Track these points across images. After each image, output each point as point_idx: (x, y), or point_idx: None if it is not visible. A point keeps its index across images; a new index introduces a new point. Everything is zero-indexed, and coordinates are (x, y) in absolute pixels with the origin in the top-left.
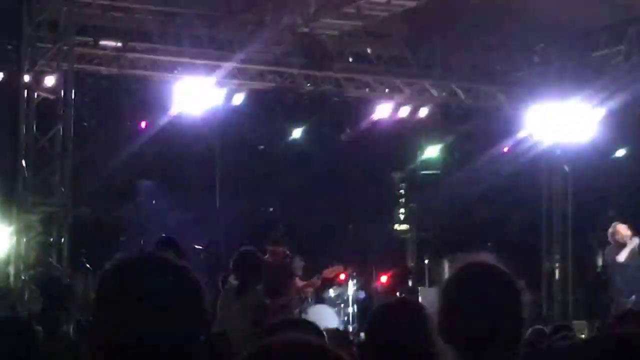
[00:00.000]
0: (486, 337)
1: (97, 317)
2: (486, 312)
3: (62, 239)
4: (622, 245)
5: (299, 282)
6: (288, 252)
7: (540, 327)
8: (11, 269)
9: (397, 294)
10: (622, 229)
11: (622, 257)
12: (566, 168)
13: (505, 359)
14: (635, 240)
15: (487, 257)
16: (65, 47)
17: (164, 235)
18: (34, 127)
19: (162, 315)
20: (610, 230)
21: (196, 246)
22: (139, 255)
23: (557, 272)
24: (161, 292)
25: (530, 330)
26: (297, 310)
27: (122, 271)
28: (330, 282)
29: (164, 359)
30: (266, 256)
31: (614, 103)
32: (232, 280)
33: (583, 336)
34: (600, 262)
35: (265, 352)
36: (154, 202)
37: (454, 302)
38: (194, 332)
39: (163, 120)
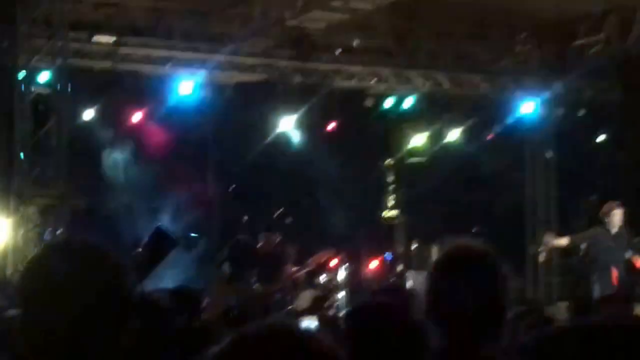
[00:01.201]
0: (470, 318)
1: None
2: (470, 293)
3: (59, 230)
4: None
5: (291, 269)
6: (280, 239)
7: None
8: (9, 261)
9: (387, 279)
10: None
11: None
12: (548, 154)
13: (489, 339)
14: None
15: (474, 242)
16: (59, 43)
17: (158, 225)
18: (30, 122)
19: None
20: (603, 209)
21: (191, 234)
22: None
23: (540, 256)
24: (68, 278)
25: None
26: (288, 297)
27: (35, 263)
28: (321, 268)
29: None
30: (259, 243)
31: (593, 89)
32: (226, 268)
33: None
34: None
35: (238, 344)
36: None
37: (440, 284)
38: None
39: (156, 113)
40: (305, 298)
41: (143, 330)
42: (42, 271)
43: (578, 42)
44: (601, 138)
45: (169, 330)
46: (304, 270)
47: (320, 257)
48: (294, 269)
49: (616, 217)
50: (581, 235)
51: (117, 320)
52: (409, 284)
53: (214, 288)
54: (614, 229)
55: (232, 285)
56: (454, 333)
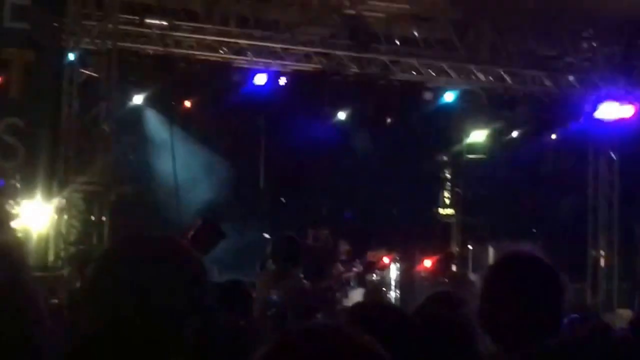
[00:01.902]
0: (525, 328)
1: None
2: (526, 303)
3: (103, 218)
4: None
5: (340, 268)
6: (330, 235)
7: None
8: (50, 247)
9: (440, 279)
10: None
11: None
12: (613, 155)
13: (541, 349)
14: None
15: (531, 248)
16: (110, 25)
17: (206, 216)
18: (78, 106)
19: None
20: None
21: (266, 235)
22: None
23: (602, 260)
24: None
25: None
26: (338, 294)
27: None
28: (374, 266)
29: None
30: (308, 239)
31: None
32: (270, 265)
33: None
34: None
35: (284, 345)
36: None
37: (495, 292)
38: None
39: (208, 99)
40: (355, 297)
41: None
42: (118, 263)
43: None
44: None
45: (218, 329)
46: (356, 269)
47: (372, 255)
48: (345, 266)
49: None
50: None
51: (191, 314)
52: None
53: (259, 284)
54: None
55: (277, 281)
56: (507, 340)
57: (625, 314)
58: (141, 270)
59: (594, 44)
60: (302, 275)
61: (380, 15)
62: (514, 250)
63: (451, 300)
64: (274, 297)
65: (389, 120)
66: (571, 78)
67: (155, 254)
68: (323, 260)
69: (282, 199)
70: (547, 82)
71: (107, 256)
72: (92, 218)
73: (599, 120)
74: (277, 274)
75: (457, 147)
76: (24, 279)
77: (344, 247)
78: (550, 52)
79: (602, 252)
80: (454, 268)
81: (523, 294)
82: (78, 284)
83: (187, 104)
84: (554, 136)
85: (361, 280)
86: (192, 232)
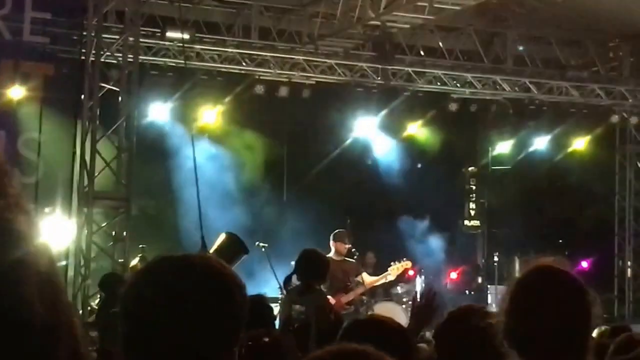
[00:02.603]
0: (552, 344)
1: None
2: (554, 318)
3: (124, 233)
4: None
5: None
6: (354, 248)
7: (605, 328)
8: (70, 263)
9: (466, 291)
10: None
11: None
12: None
13: None
14: None
15: (558, 261)
16: (131, 39)
17: (228, 231)
18: (98, 120)
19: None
20: None
21: (260, 244)
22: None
23: (629, 270)
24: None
25: (596, 330)
26: (363, 308)
27: (150, 274)
28: (398, 279)
29: None
30: (330, 253)
31: None
32: (295, 280)
33: None
34: None
35: None
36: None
37: (521, 306)
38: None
39: (232, 114)
40: (381, 310)
41: None
42: (153, 286)
43: None
44: None
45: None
46: (381, 282)
47: (398, 268)
48: (372, 279)
49: None
50: None
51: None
52: (489, 298)
53: (283, 300)
54: None
55: (300, 297)
56: (534, 356)
57: None
58: (177, 293)
59: (620, 54)
60: (325, 290)
61: (404, 26)
62: (540, 264)
63: (475, 314)
64: (297, 312)
65: (412, 132)
66: (597, 88)
67: (192, 275)
68: (346, 274)
69: (347, 221)
70: (573, 92)
71: (140, 278)
72: (113, 233)
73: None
74: (301, 289)
75: (482, 158)
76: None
77: (370, 259)
78: (576, 62)
79: (628, 263)
80: (479, 280)
81: (549, 309)
82: (97, 302)
83: (210, 117)
84: (579, 145)
85: (387, 293)
86: (215, 247)
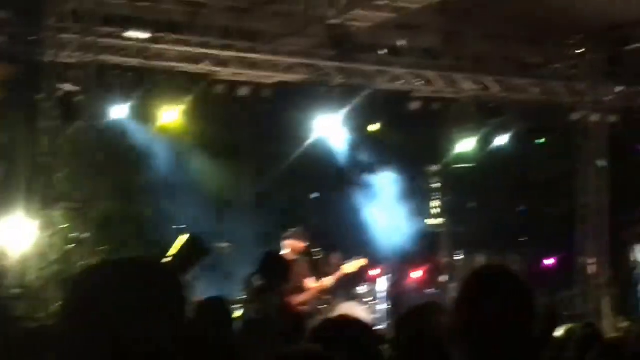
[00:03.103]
0: (495, 342)
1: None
2: (495, 317)
3: (85, 235)
4: None
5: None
6: (318, 249)
7: (574, 325)
8: (32, 266)
9: (429, 290)
10: None
11: None
12: (601, 162)
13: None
14: None
15: (506, 262)
16: (89, 38)
17: (190, 232)
18: (56, 120)
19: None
20: None
21: (223, 244)
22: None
23: (591, 268)
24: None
25: (562, 328)
26: (325, 308)
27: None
28: (353, 278)
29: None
30: (284, 252)
31: None
32: (256, 281)
33: None
34: (633, 258)
35: None
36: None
37: (466, 305)
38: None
39: (192, 114)
40: (343, 310)
41: None
42: (92, 286)
43: (631, 46)
44: None
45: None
46: (332, 280)
47: (352, 266)
48: (315, 284)
49: None
50: None
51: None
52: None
53: (244, 300)
54: None
55: (259, 297)
56: (478, 355)
57: (615, 321)
58: (112, 296)
59: (581, 51)
60: (285, 291)
61: (364, 24)
62: (484, 265)
63: (433, 312)
64: (257, 312)
65: (375, 131)
66: (557, 85)
67: (128, 278)
68: (300, 275)
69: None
70: (534, 90)
71: (78, 282)
72: (74, 235)
73: (586, 127)
74: (261, 290)
75: (444, 157)
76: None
77: (335, 259)
78: (536, 60)
79: (590, 260)
80: (443, 279)
81: (493, 308)
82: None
83: (170, 117)
84: (540, 143)
85: (349, 293)
86: (176, 249)
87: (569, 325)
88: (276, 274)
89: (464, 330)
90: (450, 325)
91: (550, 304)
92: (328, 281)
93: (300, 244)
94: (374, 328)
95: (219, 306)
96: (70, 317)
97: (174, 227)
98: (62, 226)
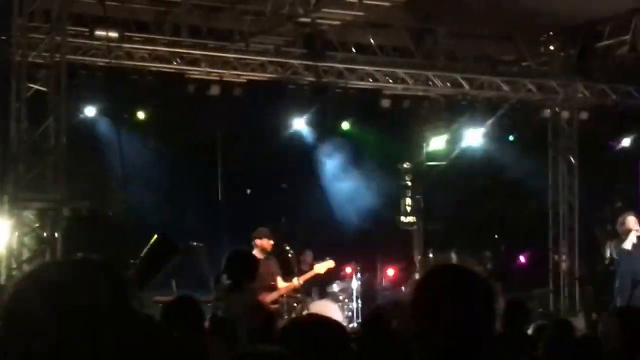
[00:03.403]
0: (452, 342)
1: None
2: (451, 316)
3: (56, 234)
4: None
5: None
6: (289, 247)
7: (543, 322)
8: (4, 266)
9: (403, 288)
10: (631, 222)
11: (628, 245)
12: (572, 159)
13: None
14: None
15: (461, 260)
16: (58, 38)
17: (160, 232)
18: (27, 121)
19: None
20: (619, 219)
21: (195, 244)
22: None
23: (564, 265)
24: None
25: (532, 326)
26: (299, 306)
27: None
28: (333, 277)
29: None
30: (254, 251)
31: (618, 93)
32: (225, 280)
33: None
34: (607, 254)
35: None
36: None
37: (419, 307)
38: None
39: (163, 113)
40: (317, 308)
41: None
42: (36, 286)
43: (603, 43)
44: (626, 143)
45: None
46: (302, 281)
47: (322, 267)
48: (285, 284)
49: (632, 226)
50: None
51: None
52: None
53: (213, 299)
54: (632, 238)
55: (229, 296)
56: (436, 355)
57: (588, 318)
58: (52, 299)
59: (551, 48)
60: (253, 289)
61: (335, 22)
62: (439, 264)
63: (397, 311)
64: (219, 312)
65: (347, 128)
66: (528, 83)
67: (69, 280)
68: (270, 273)
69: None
70: (504, 87)
71: (19, 284)
72: (45, 235)
73: (557, 124)
74: (230, 288)
75: (417, 154)
76: None
77: (308, 257)
78: (507, 57)
79: (563, 257)
80: (416, 277)
81: (449, 308)
82: None
83: (141, 116)
84: (512, 140)
85: (322, 291)
86: (147, 249)
87: (540, 322)
88: (242, 272)
89: (422, 332)
90: (410, 327)
91: (521, 300)
92: (298, 281)
93: (269, 243)
94: (345, 326)
95: (190, 305)
96: (8, 323)
97: (148, 226)
98: (34, 226)
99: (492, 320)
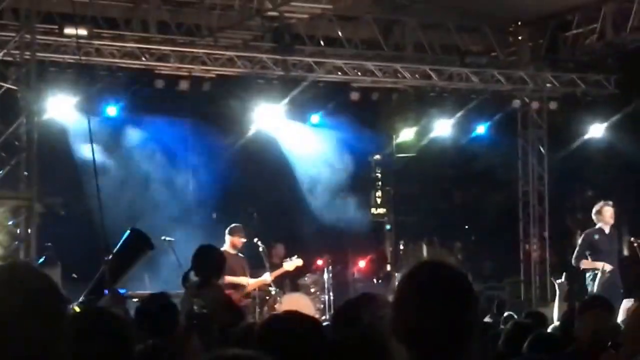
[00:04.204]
0: (434, 336)
1: None
2: (433, 310)
3: (29, 232)
4: (601, 230)
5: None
6: (260, 241)
7: (511, 313)
8: None
9: (374, 280)
10: (608, 215)
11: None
12: (542, 149)
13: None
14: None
15: (445, 257)
16: (27, 36)
17: (133, 227)
18: None
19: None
20: (596, 207)
21: (167, 238)
22: None
23: (534, 254)
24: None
25: (502, 317)
26: (270, 299)
27: None
28: (304, 269)
29: None
30: (225, 246)
31: (587, 82)
32: (192, 277)
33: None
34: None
35: None
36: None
37: (406, 301)
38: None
39: (131, 107)
40: (289, 301)
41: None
42: None
43: (571, 32)
44: (596, 133)
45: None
46: (272, 277)
47: (290, 265)
48: (253, 281)
49: (607, 215)
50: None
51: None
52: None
53: (183, 296)
54: (607, 228)
55: (199, 293)
56: (418, 348)
57: (561, 307)
58: None
59: (519, 39)
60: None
61: (302, 16)
62: (425, 260)
63: (367, 304)
64: (198, 308)
65: (315, 121)
66: (497, 73)
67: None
68: (241, 269)
69: (213, 215)
70: (473, 78)
71: None
72: (18, 232)
73: (526, 114)
74: (199, 285)
75: (386, 146)
76: None
77: (279, 250)
78: (475, 48)
79: (534, 247)
80: (388, 268)
81: (433, 304)
82: None
83: (111, 112)
84: (481, 131)
85: (294, 284)
86: (120, 244)
87: (508, 314)
88: (210, 269)
89: (406, 327)
90: (392, 321)
91: (494, 295)
92: (267, 277)
93: (240, 241)
94: (318, 319)
95: (163, 302)
96: None
97: (120, 222)
98: (7, 223)
99: (476, 315)
